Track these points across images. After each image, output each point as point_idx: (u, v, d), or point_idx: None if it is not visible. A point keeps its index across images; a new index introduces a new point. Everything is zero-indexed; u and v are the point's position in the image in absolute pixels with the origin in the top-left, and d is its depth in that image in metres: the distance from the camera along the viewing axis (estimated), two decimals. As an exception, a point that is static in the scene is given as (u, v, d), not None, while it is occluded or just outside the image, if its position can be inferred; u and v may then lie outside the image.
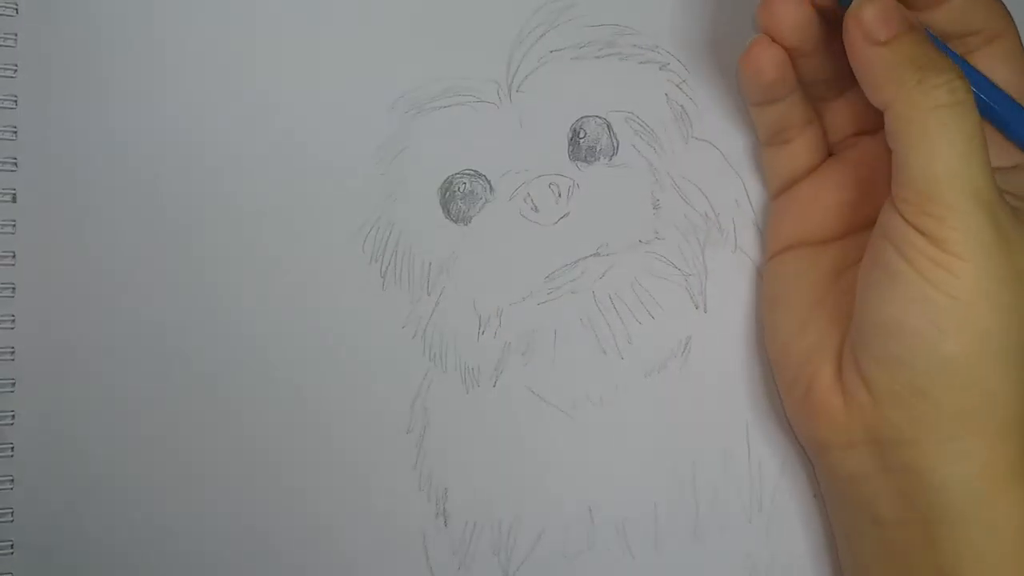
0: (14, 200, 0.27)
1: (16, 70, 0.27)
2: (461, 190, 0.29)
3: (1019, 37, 0.27)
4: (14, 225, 0.27)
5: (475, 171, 0.29)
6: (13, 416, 0.26)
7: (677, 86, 0.31)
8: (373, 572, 0.28)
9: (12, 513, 0.26)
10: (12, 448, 0.26)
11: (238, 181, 0.28)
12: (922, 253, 0.24)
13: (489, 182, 0.29)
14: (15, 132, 0.27)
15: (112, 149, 0.27)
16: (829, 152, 0.30)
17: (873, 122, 0.29)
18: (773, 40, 0.28)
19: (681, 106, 0.31)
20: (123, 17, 0.28)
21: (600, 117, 0.30)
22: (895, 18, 0.25)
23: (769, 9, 0.27)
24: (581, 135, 0.30)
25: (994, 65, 0.27)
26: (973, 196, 0.24)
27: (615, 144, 0.30)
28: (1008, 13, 0.27)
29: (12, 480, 0.26)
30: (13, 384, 0.26)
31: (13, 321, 0.27)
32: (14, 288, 0.27)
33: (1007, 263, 0.24)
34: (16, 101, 0.27)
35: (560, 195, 0.29)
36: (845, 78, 0.29)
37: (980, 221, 0.24)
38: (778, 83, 0.28)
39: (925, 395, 0.24)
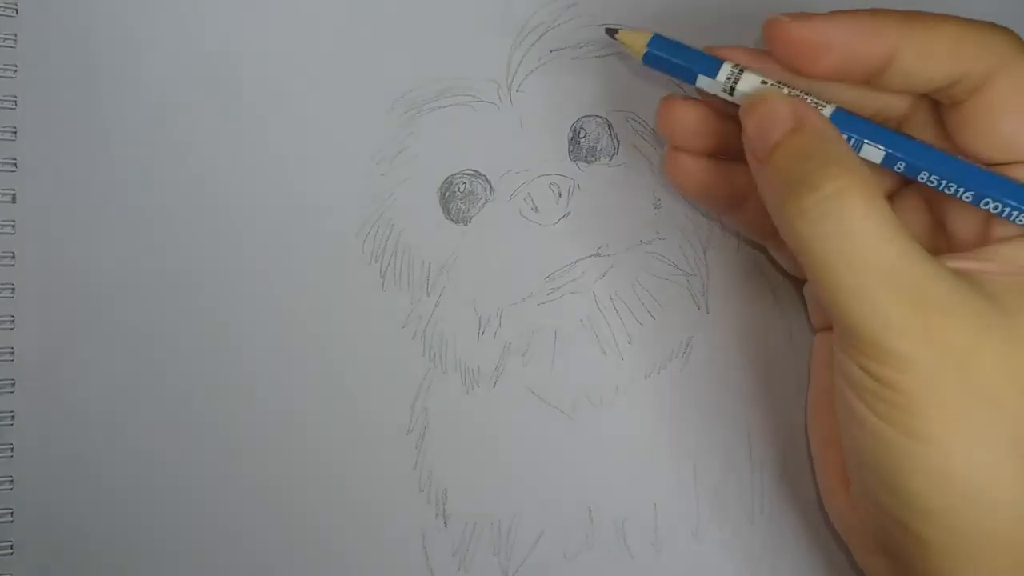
0: (14, 200, 0.27)
1: (16, 70, 0.27)
2: (461, 190, 0.29)
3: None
4: (14, 226, 0.27)
5: (475, 171, 0.29)
6: (13, 417, 0.26)
7: (678, 85, 0.31)
8: (373, 572, 0.28)
9: (12, 514, 0.26)
10: (12, 449, 0.26)
11: (238, 182, 0.28)
12: (869, 391, 0.21)
13: (489, 182, 0.29)
14: (15, 132, 0.27)
15: (112, 149, 0.27)
16: None
17: None
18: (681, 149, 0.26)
19: (682, 106, 0.31)
20: (123, 18, 0.28)
21: (601, 117, 0.30)
22: (774, 128, 0.22)
23: (666, 118, 0.25)
24: (581, 135, 0.30)
25: (986, 119, 0.22)
26: (887, 329, 0.20)
27: (616, 144, 0.30)
28: (1007, 43, 0.22)
29: (12, 481, 0.26)
30: (13, 385, 0.26)
31: (13, 322, 0.27)
32: (14, 289, 0.27)
33: (962, 380, 0.21)
34: (16, 101, 0.27)
35: (560, 195, 0.29)
36: None
37: (912, 352, 0.20)
38: (711, 189, 0.26)
39: (904, 526, 0.22)
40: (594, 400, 0.30)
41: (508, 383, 0.29)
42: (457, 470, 0.29)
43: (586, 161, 0.30)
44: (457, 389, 0.29)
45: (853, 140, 0.22)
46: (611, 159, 0.30)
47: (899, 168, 0.22)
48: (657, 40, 0.23)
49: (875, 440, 0.21)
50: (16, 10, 0.27)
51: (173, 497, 0.27)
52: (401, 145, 0.29)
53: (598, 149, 0.30)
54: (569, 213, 0.29)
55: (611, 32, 0.24)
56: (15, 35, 0.27)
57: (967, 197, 0.21)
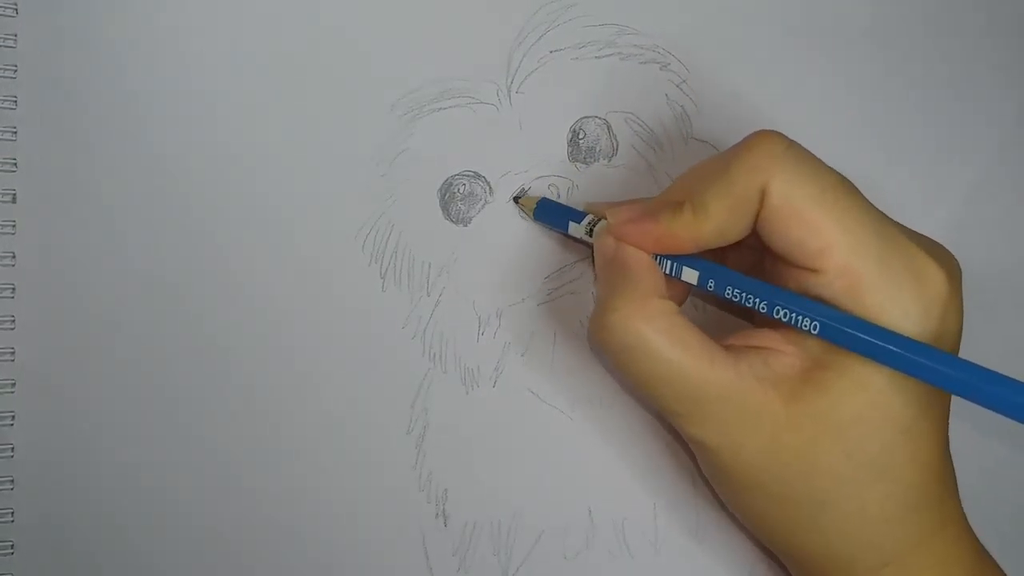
0: (14, 200, 0.27)
1: (16, 70, 0.27)
2: (461, 191, 0.29)
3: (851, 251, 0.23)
4: (14, 226, 0.27)
5: (475, 172, 0.29)
6: (13, 417, 0.26)
7: (677, 86, 0.31)
8: (373, 573, 0.28)
9: (12, 514, 0.26)
10: (12, 449, 0.26)
11: (238, 183, 0.28)
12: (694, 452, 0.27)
13: (488, 183, 0.29)
14: (15, 133, 0.27)
15: (112, 150, 0.27)
16: None
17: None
18: None
19: (681, 106, 0.31)
20: (123, 18, 0.28)
21: (600, 118, 0.30)
22: (600, 256, 0.26)
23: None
24: (581, 136, 0.30)
25: (778, 227, 0.23)
26: (675, 416, 0.25)
27: (615, 145, 0.30)
28: (769, 152, 0.23)
29: (12, 481, 0.26)
30: (13, 385, 0.26)
31: (13, 322, 0.27)
32: (14, 289, 0.27)
33: (734, 462, 0.24)
34: (16, 101, 0.27)
35: (559, 196, 0.29)
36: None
37: (698, 436, 0.25)
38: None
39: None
40: (593, 400, 0.30)
41: (508, 383, 0.29)
42: (457, 470, 0.29)
43: (585, 162, 0.30)
44: (457, 389, 0.29)
45: (674, 265, 0.25)
46: (610, 160, 0.30)
47: (710, 286, 0.25)
48: (543, 201, 0.29)
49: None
50: (16, 10, 0.27)
51: (173, 497, 0.27)
52: (401, 146, 0.29)
53: (597, 150, 0.30)
54: (568, 214, 0.30)
55: (516, 199, 0.29)
56: (15, 35, 0.27)
57: (762, 307, 0.24)
